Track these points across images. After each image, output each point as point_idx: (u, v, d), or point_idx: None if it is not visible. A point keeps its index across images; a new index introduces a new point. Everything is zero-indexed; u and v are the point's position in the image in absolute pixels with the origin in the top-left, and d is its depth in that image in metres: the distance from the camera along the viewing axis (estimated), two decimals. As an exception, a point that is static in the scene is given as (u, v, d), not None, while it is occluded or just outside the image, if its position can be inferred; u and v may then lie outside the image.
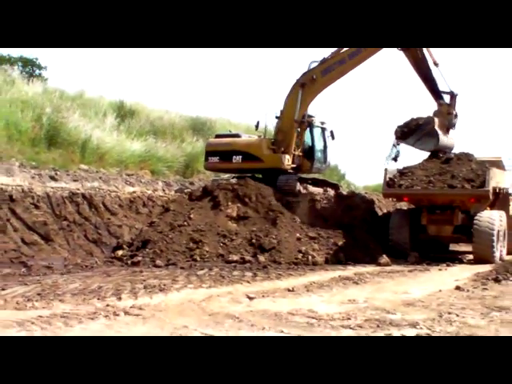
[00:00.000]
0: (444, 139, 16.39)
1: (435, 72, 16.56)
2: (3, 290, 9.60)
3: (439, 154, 16.33)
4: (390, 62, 17.04)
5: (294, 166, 17.21)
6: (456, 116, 16.65)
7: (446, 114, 16.47)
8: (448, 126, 16.64)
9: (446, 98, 16.68)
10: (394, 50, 16.22)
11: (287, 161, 16.85)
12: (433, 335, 6.53)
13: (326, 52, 16.62)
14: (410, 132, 16.46)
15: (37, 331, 6.52)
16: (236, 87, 71.76)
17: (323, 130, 18.28)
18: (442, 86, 16.75)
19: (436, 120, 16.25)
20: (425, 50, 16.15)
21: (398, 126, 16.51)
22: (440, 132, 16.18)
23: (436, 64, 16.33)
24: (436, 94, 16.64)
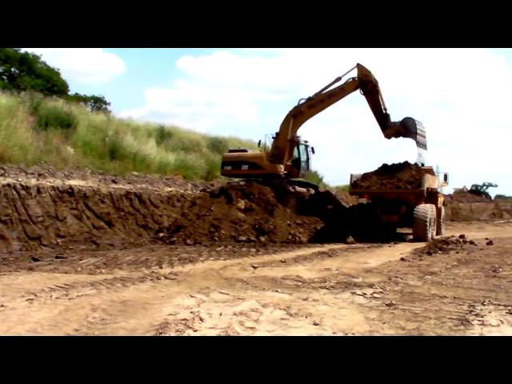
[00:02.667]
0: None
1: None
2: (80, 260, 9.69)
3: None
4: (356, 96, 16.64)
5: (286, 172, 17.20)
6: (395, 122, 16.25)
7: (396, 127, 16.21)
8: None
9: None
10: (358, 94, 16.19)
11: (281, 169, 16.86)
12: (384, 293, 6.57)
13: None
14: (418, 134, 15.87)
15: (103, 289, 6.58)
16: (242, 113, 71.82)
17: (306, 146, 18.24)
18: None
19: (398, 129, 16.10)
20: (380, 99, 16.12)
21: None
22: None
23: (385, 109, 16.16)
24: (383, 125, 16.35)
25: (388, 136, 16.44)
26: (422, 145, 16.06)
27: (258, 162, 17.00)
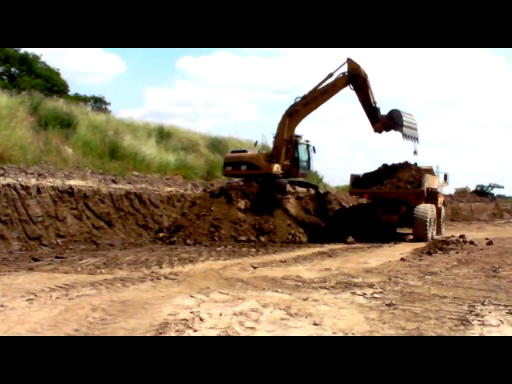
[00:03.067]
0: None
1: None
2: (80, 260, 9.69)
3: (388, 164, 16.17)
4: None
5: (283, 172, 17.10)
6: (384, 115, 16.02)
7: (384, 121, 15.99)
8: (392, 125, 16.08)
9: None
10: (349, 89, 16.02)
11: (276, 168, 16.71)
12: (384, 293, 6.57)
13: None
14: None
15: (103, 289, 6.58)
16: (242, 113, 71.87)
17: (307, 146, 18.20)
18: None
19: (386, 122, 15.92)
20: (369, 93, 16.02)
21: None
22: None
23: (375, 103, 16.01)
24: (372, 118, 16.07)
25: (378, 130, 16.15)
26: (410, 137, 15.75)
27: (255, 162, 16.98)
